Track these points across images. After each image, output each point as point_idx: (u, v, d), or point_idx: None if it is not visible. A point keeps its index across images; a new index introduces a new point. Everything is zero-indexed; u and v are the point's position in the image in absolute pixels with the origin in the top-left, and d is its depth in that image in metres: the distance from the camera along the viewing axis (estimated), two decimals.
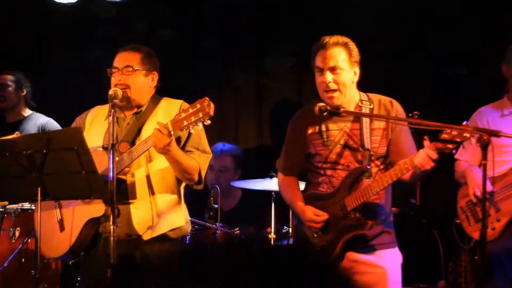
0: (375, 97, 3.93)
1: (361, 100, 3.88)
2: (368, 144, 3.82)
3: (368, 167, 3.82)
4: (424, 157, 3.57)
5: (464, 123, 3.59)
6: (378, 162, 3.87)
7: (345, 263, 3.83)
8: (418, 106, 3.70)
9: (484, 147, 3.45)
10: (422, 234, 5.19)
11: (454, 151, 3.60)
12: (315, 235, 3.85)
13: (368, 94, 3.93)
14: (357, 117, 3.86)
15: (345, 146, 3.85)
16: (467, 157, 4.49)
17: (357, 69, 3.87)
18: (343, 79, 3.83)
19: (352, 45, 3.86)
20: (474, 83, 5.71)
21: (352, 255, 3.83)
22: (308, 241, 3.88)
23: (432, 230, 5.26)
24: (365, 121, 3.85)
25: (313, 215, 3.82)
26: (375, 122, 3.87)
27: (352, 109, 3.87)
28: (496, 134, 3.56)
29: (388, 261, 3.86)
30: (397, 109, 3.90)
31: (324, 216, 3.80)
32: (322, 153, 3.87)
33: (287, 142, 4.05)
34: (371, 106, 3.88)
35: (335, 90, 3.81)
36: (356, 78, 3.88)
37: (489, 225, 4.29)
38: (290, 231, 5.18)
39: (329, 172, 3.87)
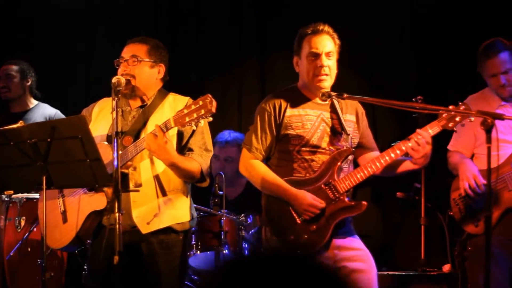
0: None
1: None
2: (350, 131, 3.89)
3: (353, 149, 3.87)
4: (423, 139, 3.67)
5: (460, 104, 3.66)
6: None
7: (329, 251, 3.82)
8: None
9: (488, 130, 3.45)
10: (428, 218, 5.18)
11: (455, 129, 3.72)
12: (300, 223, 3.80)
13: None
14: (332, 106, 3.90)
15: (326, 131, 3.87)
16: (458, 148, 4.48)
17: None
18: (334, 66, 3.89)
19: (336, 37, 3.90)
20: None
21: (334, 241, 3.83)
22: (291, 229, 3.82)
23: (437, 214, 5.26)
24: (339, 111, 3.89)
25: (314, 200, 3.79)
26: (347, 114, 3.95)
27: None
28: (500, 117, 3.55)
29: (362, 244, 3.91)
30: (360, 105, 4.01)
31: (322, 202, 3.79)
32: (302, 135, 3.85)
33: (261, 124, 3.94)
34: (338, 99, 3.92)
35: (327, 75, 3.84)
36: None
37: (481, 218, 4.25)
38: None
39: (307, 156, 3.85)
